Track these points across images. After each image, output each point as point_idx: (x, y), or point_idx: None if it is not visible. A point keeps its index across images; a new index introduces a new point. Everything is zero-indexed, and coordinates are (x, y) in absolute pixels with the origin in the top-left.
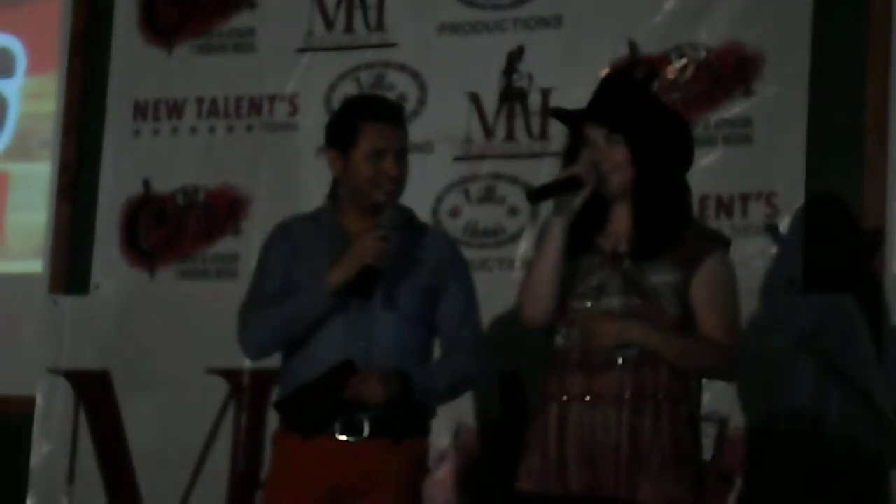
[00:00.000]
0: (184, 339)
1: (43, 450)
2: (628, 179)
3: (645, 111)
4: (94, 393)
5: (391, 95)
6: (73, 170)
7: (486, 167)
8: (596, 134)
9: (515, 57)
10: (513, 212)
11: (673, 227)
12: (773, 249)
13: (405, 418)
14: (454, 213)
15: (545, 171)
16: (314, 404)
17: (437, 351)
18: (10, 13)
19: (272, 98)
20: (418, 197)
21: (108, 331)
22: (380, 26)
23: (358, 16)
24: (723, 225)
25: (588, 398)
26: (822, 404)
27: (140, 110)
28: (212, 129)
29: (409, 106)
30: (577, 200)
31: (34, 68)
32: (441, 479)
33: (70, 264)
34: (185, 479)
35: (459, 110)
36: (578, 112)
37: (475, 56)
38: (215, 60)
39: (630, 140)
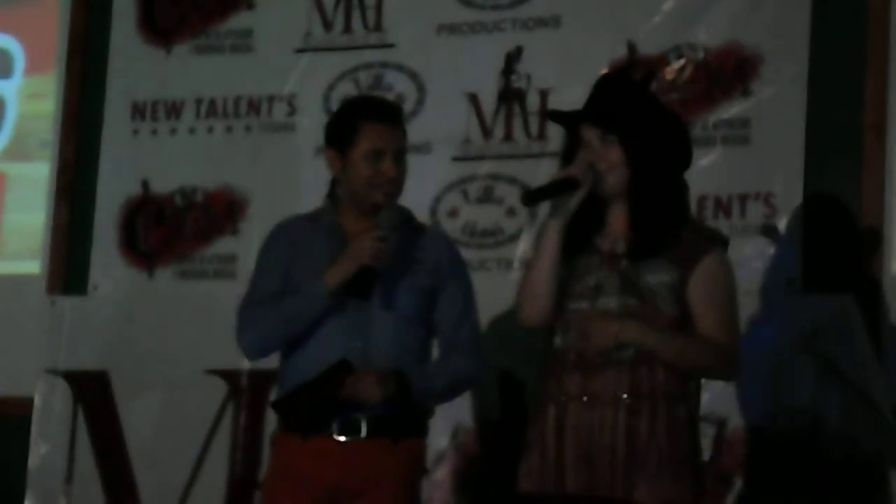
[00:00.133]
0: (182, 339)
1: (41, 450)
2: (624, 180)
3: (640, 111)
4: (92, 393)
5: (389, 96)
6: (72, 170)
7: (485, 168)
8: (591, 135)
9: (514, 57)
10: (511, 212)
11: (669, 226)
12: (772, 250)
13: (403, 418)
14: (452, 213)
15: (543, 172)
16: (312, 404)
17: (435, 351)
18: (9, 14)
19: (270, 98)
20: (417, 197)
21: (107, 331)
22: (378, 27)
23: (356, 16)
24: (721, 225)
25: (585, 398)
26: (822, 405)
27: (138, 111)
28: (210, 130)
29: (408, 106)
30: (574, 201)
31: (33, 69)
32: (439, 479)
33: (68, 265)
34: (184, 480)
35: (458, 111)
36: (574, 113)
37: (473, 56)
38: (214, 61)
39: (625, 140)
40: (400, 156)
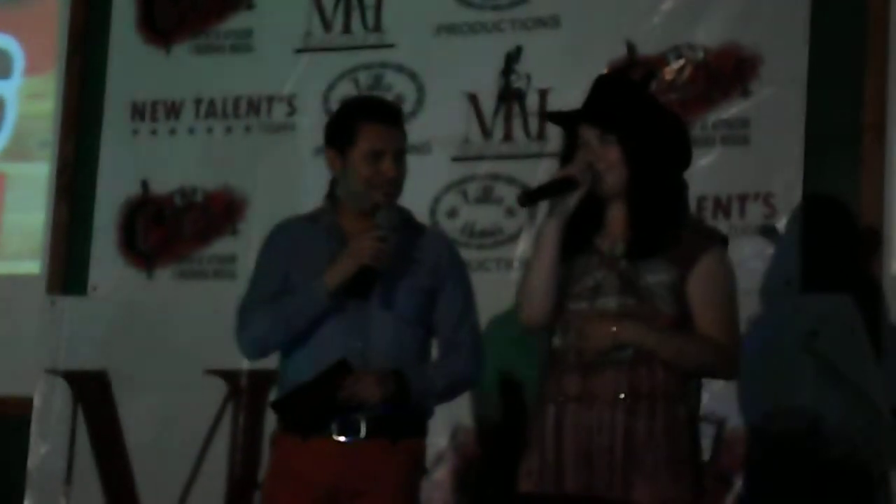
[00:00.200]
0: (182, 339)
1: (41, 450)
2: (623, 179)
3: (638, 111)
4: (91, 393)
5: (389, 96)
6: (71, 170)
7: (484, 168)
8: (589, 134)
9: (513, 57)
10: (510, 212)
11: (668, 226)
12: (771, 250)
13: (402, 419)
14: (452, 213)
15: (543, 172)
16: (311, 405)
17: (434, 352)
18: (8, 14)
19: (270, 99)
20: (416, 197)
21: (106, 331)
22: (377, 27)
23: (356, 16)
24: (720, 225)
25: (584, 399)
26: (821, 405)
27: (138, 111)
28: (210, 130)
29: (407, 107)
30: (572, 201)
31: (32, 69)
32: (439, 479)
33: (68, 265)
34: (183, 480)
35: (457, 111)
36: (572, 113)
37: (473, 57)
38: (213, 61)
39: (623, 140)
40: (399, 156)
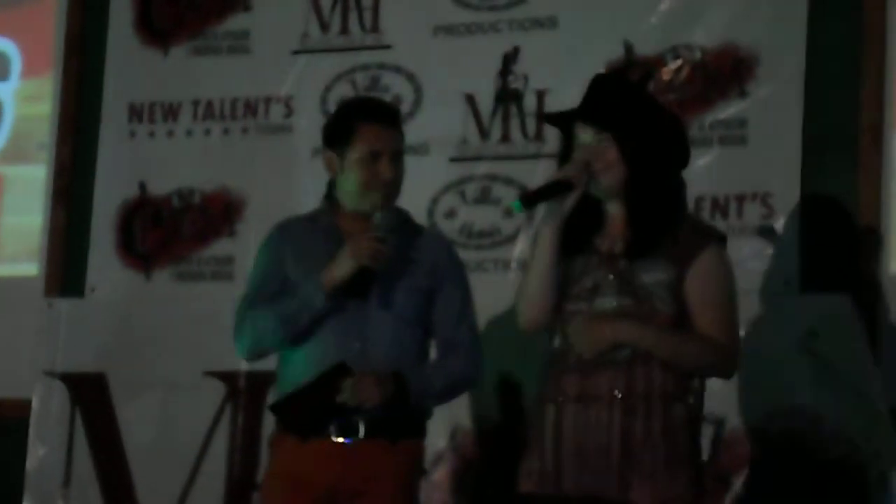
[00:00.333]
0: (180, 341)
1: (39, 452)
2: (620, 178)
3: (634, 109)
4: (89, 395)
5: (386, 97)
6: (69, 172)
7: (482, 168)
8: (586, 134)
9: (511, 58)
10: (508, 213)
11: (667, 224)
12: (770, 250)
13: (401, 420)
14: (450, 214)
15: (541, 173)
16: (310, 406)
17: (433, 352)
18: (6, 16)
19: (267, 100)
20: (414, 198)
21: (104, 333)
22: (375, 28)
23: (353, 17)
24: (718, 226)
25: (583, 399)
26: (820, 405)
27: (135, 112)
28: (207, 132)
29: (405, 108)
30: (568, 203)
31: (29, 71)
32: (438, 480)
33: (65, 267)
34: (182, 482)
35: (455, 112)
36: (569, 112)
37: (470, 57)
38: (211, 62)
39: (620, 139)
40: (397, 157)
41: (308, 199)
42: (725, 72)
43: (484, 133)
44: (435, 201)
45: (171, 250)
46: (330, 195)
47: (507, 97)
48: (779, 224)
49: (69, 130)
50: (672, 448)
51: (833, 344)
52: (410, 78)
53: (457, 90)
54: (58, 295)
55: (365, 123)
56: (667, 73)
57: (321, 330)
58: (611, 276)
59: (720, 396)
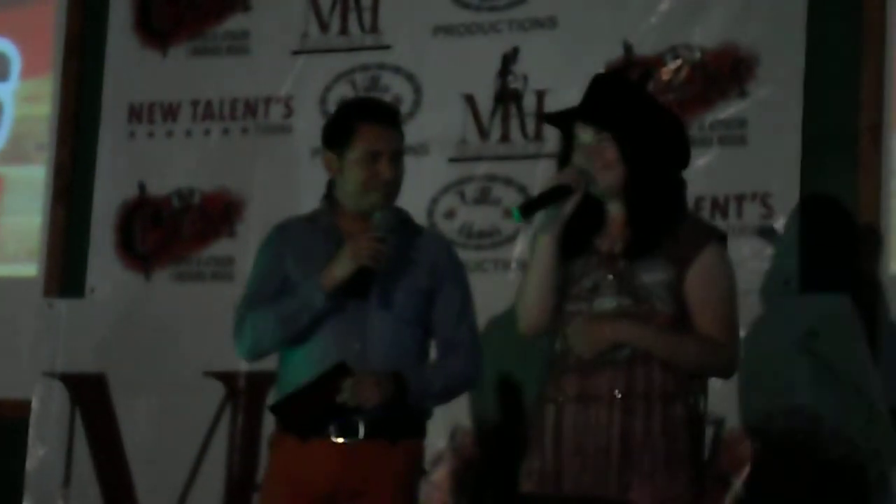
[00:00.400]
0: (179, 341)
1: (39, 453)
2: (620, 178)
3: (634, 109)
4: (89, 396)
5: (386, 98)
6: (68, 173)
7: (482, 169)
8: (586, 134)
9: (510, 58)
10: (508, 213)
11: (666, 224)
12: (769, 250)
13: (401, 420)
14: (449, 214)
15: (540, 173)
16: (310, 406)
17: (433, 352)
18: (5, 16)
19: (267, 100)
20: (413, 199)
21: (104, 334)
22: (374, 28)
23: (352, 18)
24: (718, 226)
25: (582, 399)
26: (820, 405)
27: (135, 113)
28: (207, 132)
29: (404, 108)
30: (567, 208)
31: (29, 71)
32: (437, 480)
33: (65, 267)
34: (182, 482)
35: (454, 112)
36: (569, 112)
37: (470, 58)
38: (210, 63)
39: (619, 139)
40: (397, 157)
41: (308, 199)
42: (725, 72)
43: (483, 133)
44: (434, 201)
45: (170, 250)
46: (330, 195)
47: (506, 97)
48: (779, 224)
49: (69, 131)
50: (672, 448)
51: (833, 344)
52: (410, 78)
53: (456, 90)
54: (57, 295)
55: (365, 124)
56: (666, 73)
57: (321, 330)
58: (610, 277)
59: (720, 396)
